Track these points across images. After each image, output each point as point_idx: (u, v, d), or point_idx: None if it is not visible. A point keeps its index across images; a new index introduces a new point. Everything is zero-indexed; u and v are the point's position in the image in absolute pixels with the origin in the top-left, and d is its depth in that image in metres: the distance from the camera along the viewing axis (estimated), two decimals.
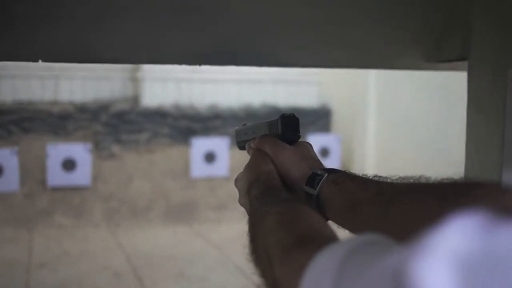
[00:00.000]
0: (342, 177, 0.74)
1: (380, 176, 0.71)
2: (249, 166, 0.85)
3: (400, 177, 0.68)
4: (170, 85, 7.54)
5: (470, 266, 0.30)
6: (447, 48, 1.32)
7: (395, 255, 0.36)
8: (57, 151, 6.70)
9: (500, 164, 1.14)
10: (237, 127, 1.01)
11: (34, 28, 1.05)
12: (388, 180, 0.69)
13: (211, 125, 7.55)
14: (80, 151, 6.78)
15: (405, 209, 0.61)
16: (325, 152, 7.34)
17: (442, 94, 6.16)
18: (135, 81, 7.60)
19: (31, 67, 6.92)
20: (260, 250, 0.61)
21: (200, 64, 1.22)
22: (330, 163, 6.58)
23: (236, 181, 0.88)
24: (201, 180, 7.13)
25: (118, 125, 7.21)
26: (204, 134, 7.41)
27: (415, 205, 0.60)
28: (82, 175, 6.73)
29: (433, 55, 1.34)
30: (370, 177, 0.72)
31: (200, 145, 7.18)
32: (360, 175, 0.74)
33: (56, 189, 6.64)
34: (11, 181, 6.38)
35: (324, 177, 0.74)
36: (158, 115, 7.37)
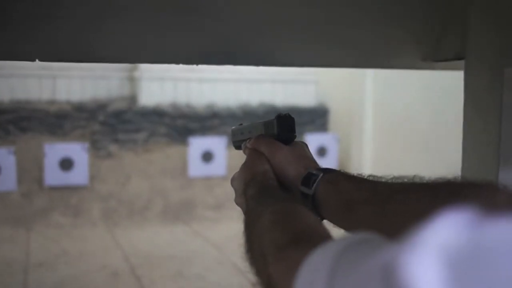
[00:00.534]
0: (337, 176, 0.75)
1: (375, 176, 0.72)
2: (245, 166, 0.85)
3: (394, 177, 0.69)
4: (168, 84, 7.54)
5: (458, 261, 0.31)
6: (444, 47, 1.32)
7: (385, 251, 0.37)
8: (54, 150, 6.69)
9: (497, 163, 1.14)
10: (233, 127, 1.01)
11: (31, 27, 1.05)
12: (383, 180, 0.69)
13: (209, 125, 7.55)
14: (77, 150, 6.77)
15: (400, 208, 0.61)
16: (322, 151, 7.34)
17: (439, 93, 6.17)
18: (132, 80, 7.60)
19: (28, 67, 6.91)
20: (256, 249, 0.61)
21: (198, 64, 1.22)
22: (327, 162, 6.59)
23: (232, 180, 0.88)
24: (199, 179, 7.13)
25: (116, 125, 7.20)
26: (202, 133, 7.41)
27: (410, 205, 0.61)
28: (79, 175, 6.72)
29: (431, 55, 1.34)
30: (365, 177, 0.73)
31: (198, 144, 7.18)
32: (355, 174, 0.74)
33: (54, 189, 6.64)
34: (9, 181, 6.37)
35: (320, 177, 0.75)
36: (156, 115, 7.36)
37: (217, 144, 7.23)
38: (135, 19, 1.14)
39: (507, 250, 0.30)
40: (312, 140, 6.93)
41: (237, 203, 0.85)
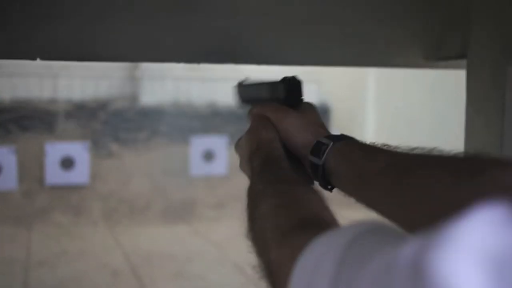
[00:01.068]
0: (349, 145, 0.71)
1: (390, 146, 0.68)
2: (250, 132, 0.81)
3: (411, 148, 0.65)
4: (169, 83, 7.53)
5: (499, 262, 0.28)
6: (446, 46, 1.32)
7: (411, 244, 0.33)
8: (55, 149, 6.69)
9: None
10: (238, 83, 0.97)
11: (32, 26, 1.05)
12: (399, 151, 0.66)
13: (210, 124, 7.54)
14: (78, 149, 6.77)
15: (417, 183, 0.58)
16: None
17: (441, 92, 6.16)
18: (133, 79, 7.59)
19: (29, 66, 6.91)
20: (257, 231, 0.59)
21: (199, 62, 1.21)
22: None
23: (237, 147, 0.84)
24: (200, 179, 7.13)
25: (117, 124, 7.20)
26: (203, 132, 7.41)
27: (428, 180, 0.58)
28: (80, 174, 6.72)
29: (432, 53, 1.34)
30: (380, 146, 0.69)
31: (199, 143, 7.18)
32: (369, 143, 0.71)
33: (55, 188, 6.63)
34: (9, 180, 6.37)
35: (330, 146, 0.71)
36: (157, 114, 7.36)
37: (219, 143, 7.23)
38: (136, 17, 1.14)
39: None
40: None
41: (242, 169, 0.81)
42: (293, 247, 0.49)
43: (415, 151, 0.64)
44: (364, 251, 0.40)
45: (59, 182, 6.65)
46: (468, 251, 0.29)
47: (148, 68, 7.33)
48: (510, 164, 0.54)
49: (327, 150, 0.71)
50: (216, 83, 7.71)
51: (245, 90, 0.93)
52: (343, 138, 0.74)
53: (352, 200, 0.69)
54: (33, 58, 1.06)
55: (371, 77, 7.46)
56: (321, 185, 0.74)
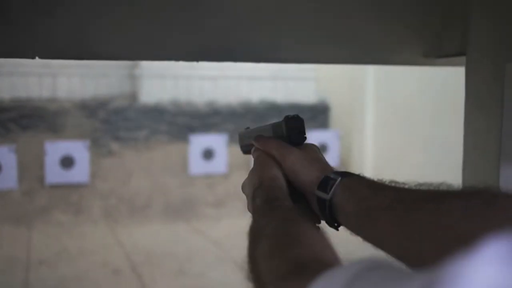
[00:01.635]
0: (356, 181, 0.70)
1: (398, 182, 0.67)
2: (254, 171, 0.81)
3: (419, 183, 0.64)
4: (168, 82, 7.53)
5: None
6: (446, 43, 1.32)
7: (419, 281, 0.33)
8: (55, 148, 6.69)
9: (498, 159, 1.14)
10: (240, 131, 0.97)
11: (31, 24, 1.05)
12: (407, 187, 0.65)
13: (210, 122, 7.55)
14: (78, 148, 6.78)
15: (426, 218, 0.57)
16: (323, 148, 7.34)
17: (440, 89, 6.16)
18: (133, 78, 7.60)
19: (29, 65, 6.91)
20: (256, 273, 0.58)
21: (197, 60, 1.21)
22: (328, 159, 6.54)
23: (243, 187, 0.83)
24: (200, 177, 7.14)
25: (117, 122, 7.21)
26: (203, 130, 7.41)
27: (437, 215, 0.56)
28: (80, 172, 6.73)
29: (432, 51, 1.34)
30: (387, 183, 0.68)
31: (199, 142, 7.19)
32: (376, 180, 0.70)
33: (55, 187, 6.64)
34: (10, 179, 6.38)
35: (338, 181, 0.70)
36: (156, 112, 7.37)
37: (218, 141, 7.24)
38: (134, 16, 1.14)
39: None
40: (313, 137, 6.93)
41: (249, 210, 0.79)
42: None
43: (422, 187, 0.63)
44: None
45: (59, 181, 6.66)
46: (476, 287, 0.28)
47: (148, 66, 7.33)
48: None
49: (334, 185, 0.70)
50: (215, 82, 7.72)
51: (247, 136, 0.92)
52: (350, 174, 0.73)
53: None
54: (32, 56, 1.06)
55: (370, 74, 7.46)
56: (327, 222, 0.73)
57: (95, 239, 5.85)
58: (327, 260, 0.52)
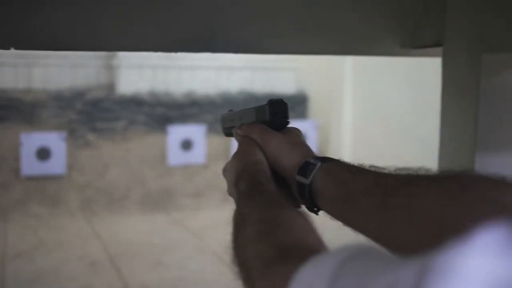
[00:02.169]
0: (336, 166, 0.71)
1: (377, 167, 0.68)
2: (236, 156, 0.80)
3: (398, 168, 0.65)
4: (146, 72, 7.48)
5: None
6: (422, 34, 1.33)
7: (411, 269, 0.33)
8: (31, 140, 6.61)
9: (473, 149, 1.16)
10: (223, 113, 0.96)
11: (6, 14, 1.03)
12: (386, 171, 0.65)
13: (188, 113, 7.52)
14: (54, 139, 6.70)
15: (405, 202, 0.57)
16: None
17: (417, 79, 6.21)
18: (110, 68, 7.52)
19: (4, 55, 6.79)
20: (241, 258, 0.58)
21: (176, 51, 1.20)
22: None
23: (224, 171, 0.83)
24: (178, 168, 7.11)
25: (93, 113, 7.14)
26: (181, 121, 7.38)
27: (416, 198, 0.57)
28: (57, 164, 6.65)
29: (409, 41, 1.35)
30: (367, 167, 0.68)
31: (177, 132, 7.15)
32: (356, 164, 0.70)
33: (31, 178, 6.56)
34: None
35: (318, 166, 0.71)
36: (134, 103, 7.31)
37: (197, 132, 7.21)
38: (112, 6, 1.13)
39: None
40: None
41: (230, 194, 0.80)
42: (277, 278, 0.48)
43: (401, 172, 0.64)
44: (353, 278, 0.39)
45: (35, 173, 6.58)
46: (471, 278, 0.28)
47: (125, 57, 7.26)
48: (499, 180, 0.53)
49: (314, 170, 0.71)
50: (194, 72, 7.68)
51: (230, 119, 0.91)
52: (330, 159, 0.73)
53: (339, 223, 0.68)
54: (7, 47, 1.04)
55: (349, 65, 7.49)
56: (307, 207, 0.73)
57: (72, 231, 5.80)
58: (311, 245, 0.52)
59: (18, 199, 6.39)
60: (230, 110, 0.95)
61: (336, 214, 0.68)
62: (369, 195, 0.62)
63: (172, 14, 1.15)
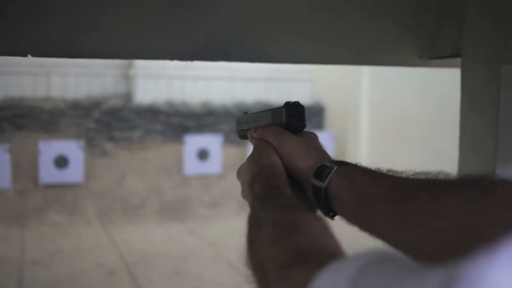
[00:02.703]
0: (353, 170, 0.70)
1: (395, 171, 0.66)
2: (252, 158, 0.79)
3: (416, 173, 0.64)
4: (163, 82, 7.52)
5: None
6: (440, 44, 1.32)
7: (435, 278, 0.32)
8: (49, 148, 6.67)
9: (494, 160, 1.14)
10: (237, 116, 0.95)
11: (24, 22, 1.04)
12: (404, 175, 0.64)
13: (204, 122, 7.53)
14: (72, 148, 6.75)
15: (423, 207, 0.56)
16: None
17: (435, 90, 6.17)
18: (127, 78, 7.58)
19: (23, 64, 6.88)
20: (256, 261, 0.57)
21: (192, 60, 1.20)
22: None
23: (238, 174, 0.81)
24: (194, 178, 7.12)
25: (111, 122, 7.18)
26: (197, 131, 7.40)
27: (434, 204, 0.55)
28: (74, 172, 6.70)
29: (427, 52, 1.34)
30: (384, 171, 0.67)
31: (193, 142, 7.17)
32: (373, 169, 0.69)
33: (49, 186, 6.61)
34: (3, 179, 6.34)
35: (334, 170, 0.69)
36: (151, 112, 7.35)
37: (213, 142, 7.22)
38: (129, 14, 1.13)
39: None
40: None
41: (244, 197, 0.78)
42: (293, 282, 0.47)
43: (420, 176, 0.63)
44: (374, 284, 0.38)
45: (53, 181, 6.63)
46: None
47: (142, 66, 7.31)
48: None
49: (331, 174, 0.69)
50: (210, 82, 7.70)
51: (245, 121, 0.89)
52: (347, 163, 0.72)
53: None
54: (24, 54, 1.05)
55: (365, 76, 7.47)
56: (323, 211, 0.72)
57: (89, 239, 5.83)
58: (329, 249, 0.51)
59: (36, 207, 6.44)
60: (245, 112, 0.93)
61: (352, 219, 0.67)
62: (387, 200, 0.61)
63: (188, 23, 1.15)
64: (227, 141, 7.17)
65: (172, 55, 1.20)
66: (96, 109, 7.19)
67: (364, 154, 7.53)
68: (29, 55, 1.05)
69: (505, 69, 1.12)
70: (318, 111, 8.10)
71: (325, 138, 7.48)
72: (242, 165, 0.81)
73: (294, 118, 0.81)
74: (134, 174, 6.94)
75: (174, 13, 1.14)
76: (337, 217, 0.71)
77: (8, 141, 6.59)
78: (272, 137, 0.80)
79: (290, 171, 0.77)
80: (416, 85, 6.53)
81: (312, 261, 0.47)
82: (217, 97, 7.69)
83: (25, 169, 6.61)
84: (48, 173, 6.60)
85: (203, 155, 7.15)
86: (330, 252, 0.50)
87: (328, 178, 0.69)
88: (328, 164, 0.71)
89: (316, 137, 0.82)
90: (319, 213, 0.72)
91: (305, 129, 0.83)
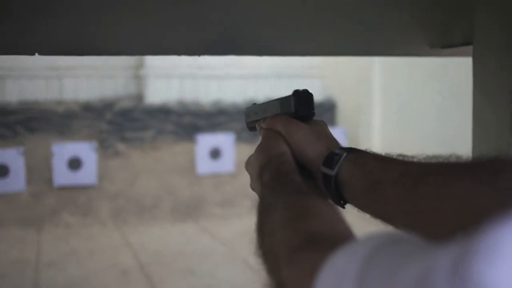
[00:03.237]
0: (363, 156, 0.69)
1: (405, 155, 0.66)
2: (260, 148, 0.78)
3: (427, 156, 0.63)
4: (174, 81, 7.53)
5: None
6: (451, 33, 1.30)
7: (448, 253, 0.32)
8: (62, 150, 6.71)
9: (508, 148, 1.12)
10: (246, 107, 0.94)
11: (31, 20, 1.04)
12: (415, 160, 0.64)
13: (216, 121, 7.54)
14: (85, 149, 6.78)
15: (436, 191, 0.55)
16: None
17: (447, 83, 6.12)
18: (138, 78, 7.60)
19: (36, 67, 6.93)
20: (267, 246, 0.57)
21: (200, 55, 1.20)
22: None
23: (247, 164, 0.81)
24: (207, 177, 7.13)
25: (123, 123, 7.21)
26: (209, 130, 7.41)
27: (446, 187, 0.55)
28: (88, 174, 6.73)
29: (438, 41, 1.32)
30: (394, 156, 0.67)
31: (205, 141, 7.18)
32: (383, 154, 0.69)
33: (63, 188, 6.65)
34: (18, 181, 6.39)
35: (343, 156, 0.69)
36: (162, 112, 7.37)
37: (225, 140, 7.22)
38: (136, 10, 1.12)
39: None
40: None
41: (253, 188, 0.78)
42: (305, 265, 0.46)
43: (431, 160, 0.62)
44: (386, 263, 0.38)
45: (67, 182, 6.67)
46: (508, 258, 0.28)
47: (153, 67, 7.34)
48: None
49: (340, 161, 0.69)
50: (221, 81, 7.71)
51: (254, 112, 0.89)
52: (356, 149, 0.71)
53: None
54: (31, 53, 1.05)
55: (377, 71, 7.43)
56: (333, 199, 0.71)
57: (103, 240, 5.85)
58: (340, 233, 0.51)
59: (51, 208, 6.48)
60: (254, 104, 0.92)
61: (363, 205, 0.66)
62: (397, 185, 0.60)
63: (197, 17, 1.14)
64: (239, 139, 7.17)
65: (180, 50, 1.20)
66: (108, 111, 7.22)
67: (377, 150, 7.47)
68: (36, 54, 1.04)
69: None
70: (330, 107, 8.08)
71: (337, 135, 7.42)
72: (251, 156, 0.80)
73: (303, 106, 0.80)
74: (147, 175, 6.96)
75: (182, 8, 1.13)
76: (348, 207, 0.70)
77: (22, 144, 6.64)
78: (280, 126, 0.79)
79: (299, 159, 0.76)
80: (428, 78, 6.48)
81: (324, 244, 0.46)
82: (228, 95, 7.70)
83: (39, 172, 6.66)
84: (62, 175, 6.64)
85: (215, 154, 7.15)
86: (342, 236, 0.49)
87: (338, 165, 0.69)
88: (337, 151, 0.71)
89: (325, 125, 0.81)
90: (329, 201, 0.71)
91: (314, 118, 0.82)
